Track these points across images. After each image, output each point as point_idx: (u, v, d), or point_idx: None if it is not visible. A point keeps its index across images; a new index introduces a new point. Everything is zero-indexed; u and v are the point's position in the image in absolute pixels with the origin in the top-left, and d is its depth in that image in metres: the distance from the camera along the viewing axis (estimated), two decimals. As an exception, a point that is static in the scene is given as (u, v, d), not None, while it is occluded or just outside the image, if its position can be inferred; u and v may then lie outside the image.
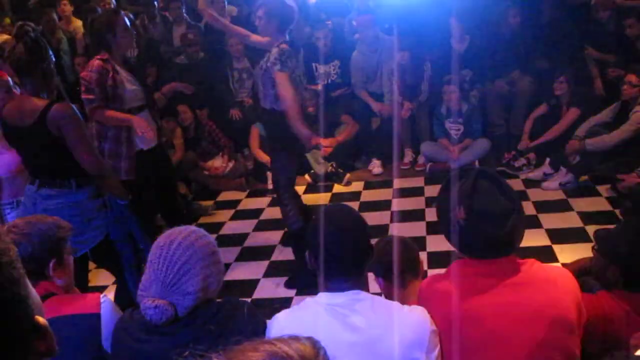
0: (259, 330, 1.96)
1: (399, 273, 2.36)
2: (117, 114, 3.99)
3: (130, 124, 3.99)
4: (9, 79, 3.46)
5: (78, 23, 7.97)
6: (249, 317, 1.97)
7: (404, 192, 5.89)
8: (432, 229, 4.94)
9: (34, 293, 0.94)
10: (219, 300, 2.00)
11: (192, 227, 2.03)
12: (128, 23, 4.08)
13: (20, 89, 3.27)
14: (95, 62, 3.94)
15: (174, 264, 1.89)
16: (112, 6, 7.80)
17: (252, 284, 4.52)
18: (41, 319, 0.92)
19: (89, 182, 3.31)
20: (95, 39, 4.11)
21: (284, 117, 4.12)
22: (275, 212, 5.78)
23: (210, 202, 6.20)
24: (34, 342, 0.90)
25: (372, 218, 4.97)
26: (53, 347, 0.91)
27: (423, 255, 3.29)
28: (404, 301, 2.05)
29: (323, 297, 1.92)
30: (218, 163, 6.59)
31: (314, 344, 1.01)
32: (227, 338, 1.86)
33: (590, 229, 4.59)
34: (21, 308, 0.87)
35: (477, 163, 6.14)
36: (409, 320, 1.86)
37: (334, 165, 6.37)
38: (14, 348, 0.85)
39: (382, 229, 5.02)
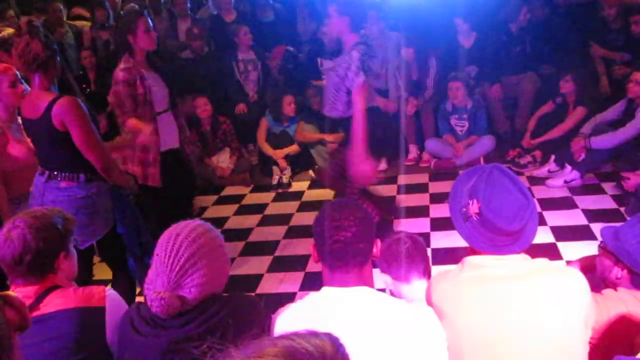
0: (267, 326, 1.96)
1: (406, 270, 2.35)
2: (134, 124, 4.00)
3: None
4: (17, 72, 3.48)
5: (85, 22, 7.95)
6: (258, 313, 1.98)
7: (409, 189, 5.88)
8: (436, 225, 4.94)
9: None
10: (225, 294, 2.01)
11: (198, 221, 2.03)
12: (151, 24, 4.03)
13: (31, 84, 3.29)
14: (120, 74, 3.93)
15: (179, 257, 1.89)
16: (117, 1, 7.80)
17: (256, 279, 4.52)
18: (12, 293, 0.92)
19: (98, 178, 3.32)
20: (118, 40, 4.13)
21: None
22: (279, 207, 5.80)
23: (214, 197, 6.21)
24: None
25: (377, 214, 4.95)
26: (26, 319, 0.90)
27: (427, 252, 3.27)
28: (409, 298, 2.04)
29: (327, 291, 1.91)
30: (223, 159, 6.57)
31: (333, 340, 0.99)
32: (234, 332, 1.87)
33: (595, 227, 4.58)
34: None
35: (482, 160, 6.13)
36: (414, 319, 1.86)
37: (339, 161, 6.35)
38: None
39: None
